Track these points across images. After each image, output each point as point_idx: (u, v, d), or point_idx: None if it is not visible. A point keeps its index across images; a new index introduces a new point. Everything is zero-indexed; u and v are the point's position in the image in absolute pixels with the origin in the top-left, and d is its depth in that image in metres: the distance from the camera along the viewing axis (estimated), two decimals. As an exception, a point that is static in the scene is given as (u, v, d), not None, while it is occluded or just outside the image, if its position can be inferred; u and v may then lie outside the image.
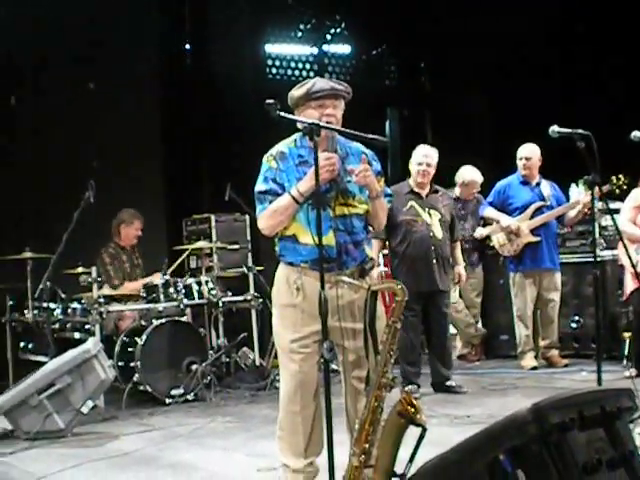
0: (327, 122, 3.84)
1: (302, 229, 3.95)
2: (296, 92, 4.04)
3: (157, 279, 7.64)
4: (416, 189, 6.87)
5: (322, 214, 3.66)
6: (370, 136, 3.78)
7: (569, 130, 4.93)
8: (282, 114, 3.73)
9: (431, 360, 7.03)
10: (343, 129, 3.92)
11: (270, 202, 3.97)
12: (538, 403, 2.55)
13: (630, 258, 5.35)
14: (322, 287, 3.56)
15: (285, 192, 3.94)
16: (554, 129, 5.00)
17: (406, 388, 6.56)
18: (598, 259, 7.59)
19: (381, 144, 3.86)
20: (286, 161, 4.02)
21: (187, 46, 10.66)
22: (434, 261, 6.73)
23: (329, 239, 3.86)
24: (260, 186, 4.03)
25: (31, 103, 8.86)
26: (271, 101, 3.66)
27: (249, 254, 8.67)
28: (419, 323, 6.88)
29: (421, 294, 6.69)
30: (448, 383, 6.94)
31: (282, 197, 3.94)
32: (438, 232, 6.80)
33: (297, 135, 4.10)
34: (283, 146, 4.10)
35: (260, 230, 4.09)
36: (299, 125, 3.97)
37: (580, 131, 4.86)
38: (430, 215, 6.80)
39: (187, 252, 8.59)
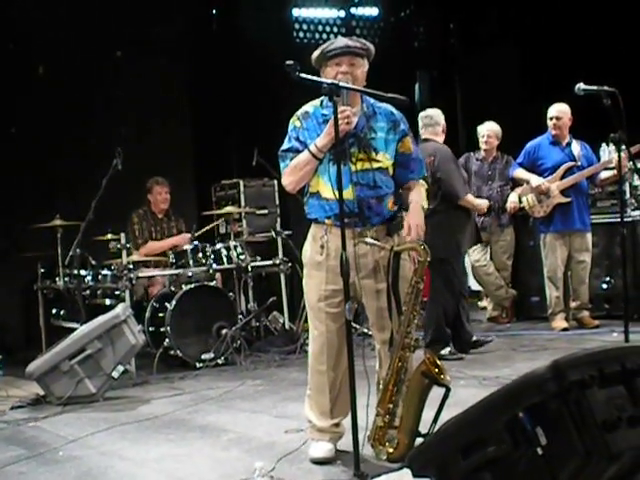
0: (342, 79, 3.85)
1: (324, 184, 3.99)
2: (315, 54, 4.09)
3: (183, 241, 7.72)
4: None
5: (342, 169, 3.67)
6: (389, 95, 3.79)
7: (595, 87, 4.88)
8: (302, 75, 3.72)
9: (459, 320, 6.84)
10: (361, 88, 3.94)
11: (291, 159, 4.04)
12: (557, 360, 2.54)
13: None
14: (343, 247, 3.57)
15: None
16: (580, 86, 4.96)
17: (442, 351, 6.52)
18: (629, 219, 7.64)
19: (401, 103, 3.86)
20: (309, 119, 4.09)
21: (213, 11, 10.59)
22: None
23: (349, 193, 3.86)
24: (284, 145, 4.10)
25: (59, 72, 8.87)
26: (291, 62, 3.67)
27: (278, 219, 8.71)
28: None
29: None
30: (475, 338, 6.93)
31: (302, 153, 4.00)
32: None
33: (325, 96, 4.11)
34: (309, 106, 4.17)
35: (284, 187, 4.15)
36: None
37: (606, 88, 4.81)
38: None
39: (216, 222, 8.64)
